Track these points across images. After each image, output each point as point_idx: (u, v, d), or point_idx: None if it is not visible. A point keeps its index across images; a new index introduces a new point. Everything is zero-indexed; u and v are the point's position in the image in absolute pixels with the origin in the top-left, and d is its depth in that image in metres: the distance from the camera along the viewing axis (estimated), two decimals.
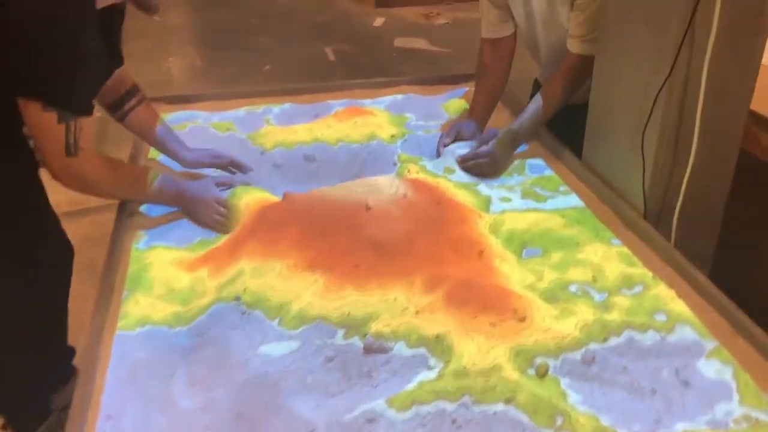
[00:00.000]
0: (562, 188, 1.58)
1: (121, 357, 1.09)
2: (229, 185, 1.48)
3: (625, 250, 1.34)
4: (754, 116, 1.61)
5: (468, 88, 2.09)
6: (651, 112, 1.27)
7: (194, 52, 5.07)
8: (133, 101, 1.58)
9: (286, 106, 2.02)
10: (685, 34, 1.16)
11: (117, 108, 1.57)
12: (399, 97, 2.09)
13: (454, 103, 2.03)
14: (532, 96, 1.98)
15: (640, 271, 1.27)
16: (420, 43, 5.24)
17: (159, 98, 2.03)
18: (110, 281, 1.26)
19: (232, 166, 1.60)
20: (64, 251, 1.68)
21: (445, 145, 1.70)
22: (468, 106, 1.93)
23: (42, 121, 1.20)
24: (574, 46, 1.62)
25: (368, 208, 1.29)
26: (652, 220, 1.39)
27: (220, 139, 1.80)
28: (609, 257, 1.31)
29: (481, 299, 1.14)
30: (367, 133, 1.81)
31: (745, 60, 1.25)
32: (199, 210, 1.42)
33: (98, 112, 1.43)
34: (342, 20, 5.83)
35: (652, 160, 1.34)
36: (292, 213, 1.33)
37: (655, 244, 1.33)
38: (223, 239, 1.37)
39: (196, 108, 2.01)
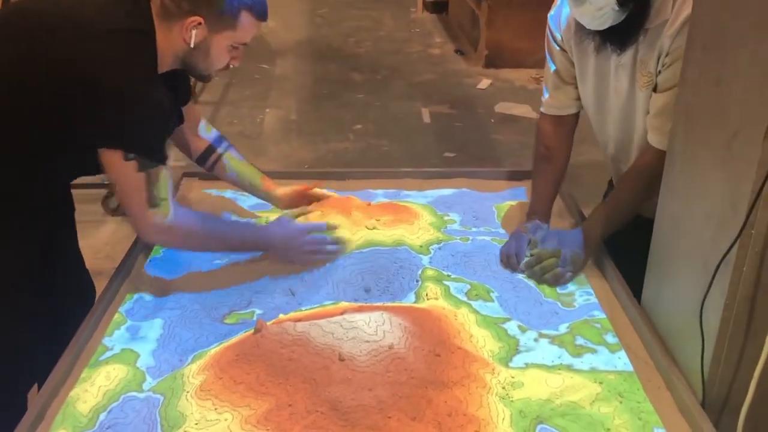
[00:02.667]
0: (610, 339, 1.28)
1: None
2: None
3: None
4: None
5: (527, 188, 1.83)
6: (712, 281, 0.97)
7: (292, 104, 5.07)
8: (216, 154, 1.66)
9: (326, 191, 1.84)
10: (760, 191, 0.87)
11: (203, 162, 1.67)
12: (449, 192, 1.86)
13: (507, 205, 1.78)
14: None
15: None
16: (522, 110, 4.97)
17: (193, 173, 1.92)
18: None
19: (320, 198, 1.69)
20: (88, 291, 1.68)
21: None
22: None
23: (124, 172, 1.27)
24: (653, 139, 1.37)
25: (341, 359, 1.06)
26: (713, 412, 1.07)
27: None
28: None
29: None
30: (395, 238, 1.59)
31: None
32: (290, 247, 1.46)
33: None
34: (446, 80, 5.67)
35: (714, 338, 1.03)
36: (260, 348, 1.13)
37: None
38: (201, 360, 1.20)
39: (231, 187, 1.89)
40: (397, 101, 5.09)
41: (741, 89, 0.98)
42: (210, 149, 1.65)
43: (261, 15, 1.36)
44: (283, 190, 1.71)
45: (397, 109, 4.94)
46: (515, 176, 1.95)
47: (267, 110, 4.91)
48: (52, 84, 1.22)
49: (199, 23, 1.29)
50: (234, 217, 1.71)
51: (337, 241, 1.51)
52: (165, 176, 1.32)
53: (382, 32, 6.81)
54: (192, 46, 1.30)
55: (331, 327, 1.13)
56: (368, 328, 1.12)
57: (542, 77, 1.70)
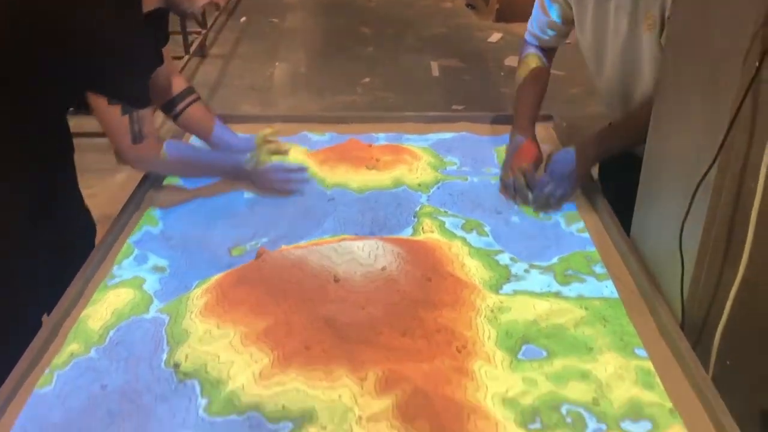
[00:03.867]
0: (599, 270, 1.33)
1: (30, 419, 1.00)
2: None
3: (648, 365, 1.08)
4: None
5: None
6: (690, 205, 1.01)
7: (301, 58, 5.08)
8: (185, 101, 1.68)
9: (326, 136, 1.89)
10: (735, 115, 0.90)
11: (170, 108, 1.69)
12: (449, 135, 1.89)
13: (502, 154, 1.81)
14: None
15: (656, 398, 1.02)
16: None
17: None
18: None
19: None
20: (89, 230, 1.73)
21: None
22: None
23: (108, 115, 1.35)
24: None
25: (336, 280, 1.12)
26: (693, 334, 1.12)
27: None
28: (624, 373, 1.07)
29: (434, 415, 0.94)
30: (394, 178, 1.63)
31: None
32: (262, 178, 1.57)
33: None
34: (457, 34, 5.63)
35: (693, 262, 1.07)
36: (261, 272, 1.19)
37: (685, 364, 1.06)
38: (205, 284, 1.26)
39: (238, 129, 1.93)
40: (406, 55, 5.08)
41: (725, 17, 1.00)
42: (185, 93, 1.68)
43: None
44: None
45: (406, 62, 4.93)
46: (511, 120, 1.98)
47: (276, 64, 4.92)
48: (37, 30, 1.24)
49: None
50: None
51: (303, 170, 1.62)
52: (147, 115, 1.39)
53: None
54: None
55: (328, 252, 1.18)
56: (362, 253, 1.18)
57: None
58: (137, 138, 1.38)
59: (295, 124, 1.96)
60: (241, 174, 1.59)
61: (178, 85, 1.69)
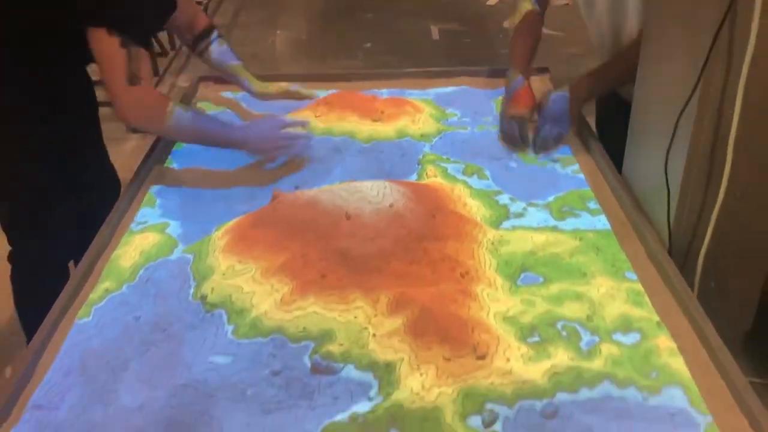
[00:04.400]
0: (592, 206, 1.41)
1: (73, 345, 1.10)
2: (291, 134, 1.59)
3: (638, 287, 1.17)
4: None
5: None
6: (674, 131, 1.09)
7: (302, 25, 5.11)
8: (207, 40, 1.77)
9: (332, 92, 1.96)
10: (712, 45, 0.98)
11: (196, 45, 1.78)
12: (449, 89, 1.97)
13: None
14: None
15: (645, 314, 1.11)
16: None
17: (208, 77, 2.04)
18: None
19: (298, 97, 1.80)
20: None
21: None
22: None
23: (107, 47, 1.36)
24: None
25: (348, 217, 1.21)
26: (679, 257, 1.21)
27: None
28: (615, 293, 1.16)
29: (441, 329, 1.04)
30: (398, 129, 1.71)
31: None
32: (262, 149, 1.56)
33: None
34: None
35: (678, 187, 1.15)
36: (276, 212, 1.28)
37: (671, 284, 1.16)
38: (225, 227, 1.35)
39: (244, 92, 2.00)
40: (406, 20, 5.11)
41: None
42: (208, 31, 1.76)
43: None
44: (268, 87, 1.81)
45: (406, 27, 4.97)
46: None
47: (278, 32, 4.97)
48: None
49: None
50: (237, 120, 1.83)
51: (306, 136, 1.62)
52: (145, 58, 1.43)
53: None
54: None
55: (339, 192, 1.27)
56: (371, 192, 1.26)
57: None
58: (133, 78, 1.40)
59: (302, 83, 2.03)
60: (248, 146, 1.56)
61: (201, 23, 1.76)
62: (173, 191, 1.53)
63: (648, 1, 1.29)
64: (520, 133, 1.62)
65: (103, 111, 1.86)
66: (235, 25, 5.15)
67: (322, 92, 1.95)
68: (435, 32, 4.87)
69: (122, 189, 1.63)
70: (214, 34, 1.78)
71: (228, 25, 5.14)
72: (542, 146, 1.60)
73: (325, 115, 1.79)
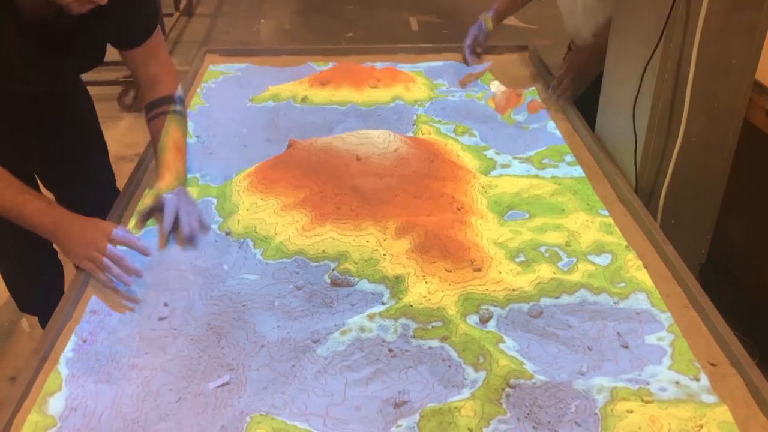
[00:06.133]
0: (569, 159, 1.60)
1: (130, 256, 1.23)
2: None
3: (609, 220, 1.36)
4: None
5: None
6: (640, 84, 1.28)
7: (285, 14, 5.26)
8: (160, 109, 1.50)
9: (329, 65, 2.12)
10: (671, 10, 1.17)
11: (148, 110, 1.52)
12: (438, 63, 2.15)
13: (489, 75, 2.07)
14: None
15: (615, 240, 1.30)
16: (508, 19, 5.20)
17: (214, 50, 2.19)
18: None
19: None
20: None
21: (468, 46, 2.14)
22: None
23: (162, 44, 1.50)
24: None
25: (358, 159, 1.38)
26: (644, 196, 1.40)
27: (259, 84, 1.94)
28: (589, 225, 1.34)
29: (443, 247, 1.21)
30: (393, 95, 1.89)
31: (745, 36, 1.24)
32: (75, 248, 1.21)
33: None
34: None
35: (644, 135, 1.35)
36: (293, 157, 1.44)
37: (637, 217, 1.35)
38: (245, 171, 1.49)
39: (249, 61, 2.15)
40: (385, 10, 5.29)
41: None
42: (162, 101, 1.50)
43: None
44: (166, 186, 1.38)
45: (386, 18, 5.14)
46: (495, 50, 2.24)
47: (261, 21, 5.10)
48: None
49: None
50: None
51: (134, 273, 1.20)
52: None
53: None
54: None
55: (349, 138, 1.44)
56: (378, 139, 1.43)
57: None
58: None
59: (300, 56, 2.19)
60: (62, 236, 1.22)
61: (165, 89, 1.51)
62: (193, 147, 1.67)
63: None
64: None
65: (96, 91, 1.94)
66: (219, 14, 5.27)
67: (319, 66, 2.11)
68: (414, 23, 5.05)
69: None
70: (174, 106, 1.49)
71: (213, 14, 5.26)
72: (561, 94, 1.80)
73: (322, 86, 1.95)
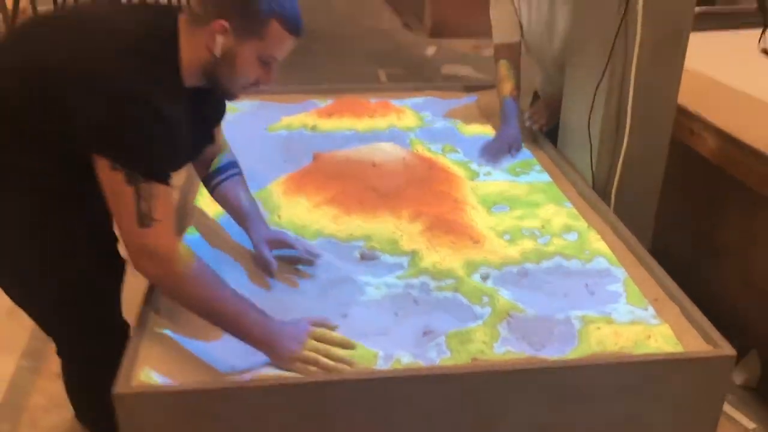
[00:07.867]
0: (537, 168, 1.97)
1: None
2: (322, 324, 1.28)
3: (573, 210, 1.72)
4: (703, 122, 1.99)
5: (477, 96, 2.52)
6: (592, 105, 1.67)
7: None
8: (222, 176, 1.54)
9: (329, 102, 2.47)
10: (612, 49, 1.57)
11: (208, 182, 1.55)
12: (421, 99, 2.52)
13: (459, 110, 2.43)
14: (532, 104, 2.40)
15: (580, 223, 1.66)
16: (465, 71, 5.69)
17: None
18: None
19: (305, 254, 1.47)
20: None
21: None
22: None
23: (111, 183, 1.15)
24: None
25: (374, 165, 1.72)
26: (600, 192, 1.77)
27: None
28: (559, 214, 1.70)
29: (447, 227, 1.55)
30: (388, 123, 2.24)
31: (667, 67, 1.64)
32: (285, 354, 1.19)
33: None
34: (398, 49, 6.33)
35: (597, 141, 1.72)
36: (319, 166, 1.77)
37: (595, 206, 1.71)
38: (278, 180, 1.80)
39: (260, 98, 2.49)
40: (355, 65, 5.73)
41: None
42: (226, 167, 1.54)
43: (293, 28, 1.27)
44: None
45: (356, 71, 5.57)
46: (469, 89, 2.64)
47: None
48: (61, 84, 1.17)
49: (225, 29, 1.20)
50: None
51: (343, 361, 1.20)
52: (161, 195, 1.17)
53: (333, 11, 7.44)
54: (217, 54, 1.22)
55: (365, 149, 1.78)
56: (389, 149, 1.78)
57: (479, 46, 2.37)
58: (144, 219, 1.15)
59: (302, 94, 2.54)
60: (273, 348, 1.21)
61: (228, 155, 1.57)
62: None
63: (573, 20, 1.88)
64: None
65: None
66: None
67: (319, 102, 2.46)
68: (382, 75, 5.50)
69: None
70: (231, 170, 1.54)
71: None
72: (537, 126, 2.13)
73: (327, 118, 2.29)
